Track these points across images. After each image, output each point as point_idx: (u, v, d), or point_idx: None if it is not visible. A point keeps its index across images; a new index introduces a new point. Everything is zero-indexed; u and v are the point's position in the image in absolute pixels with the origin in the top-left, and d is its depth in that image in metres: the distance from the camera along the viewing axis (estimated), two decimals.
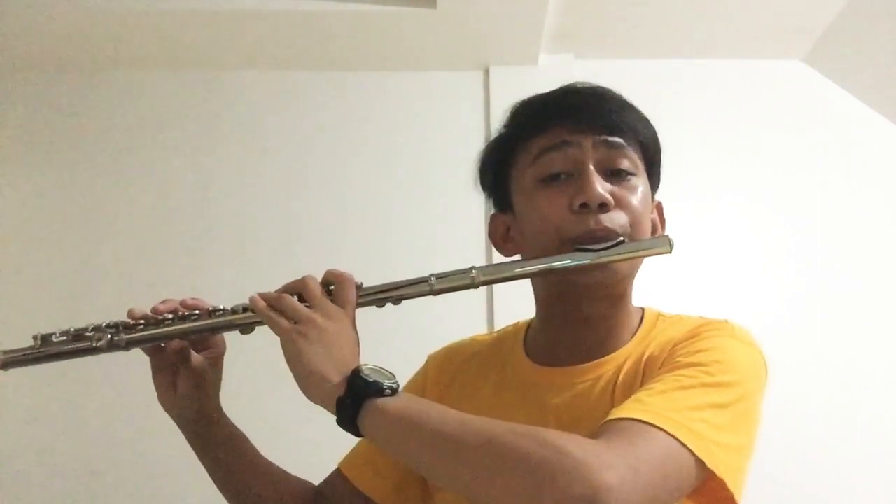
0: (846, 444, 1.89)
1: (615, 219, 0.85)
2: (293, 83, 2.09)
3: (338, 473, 1.01)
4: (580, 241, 0.84)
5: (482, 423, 0.71)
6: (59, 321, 1.98)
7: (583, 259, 0.83)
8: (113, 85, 2.07)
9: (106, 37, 1.94)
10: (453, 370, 1.01)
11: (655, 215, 0.95)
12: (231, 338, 0.93)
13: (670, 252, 0.85)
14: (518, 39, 1.98)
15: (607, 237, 0.84)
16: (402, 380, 1.04)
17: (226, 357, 0.95)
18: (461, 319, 1.75)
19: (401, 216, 2.01)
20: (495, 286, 1.81)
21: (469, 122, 2.06)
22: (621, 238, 0.84)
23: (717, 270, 2.01)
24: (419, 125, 2.07)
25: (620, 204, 0.86)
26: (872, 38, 1.98)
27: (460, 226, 1.96)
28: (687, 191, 2.01)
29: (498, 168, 0.96)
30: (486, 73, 2.09)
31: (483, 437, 0.68)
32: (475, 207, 1.98)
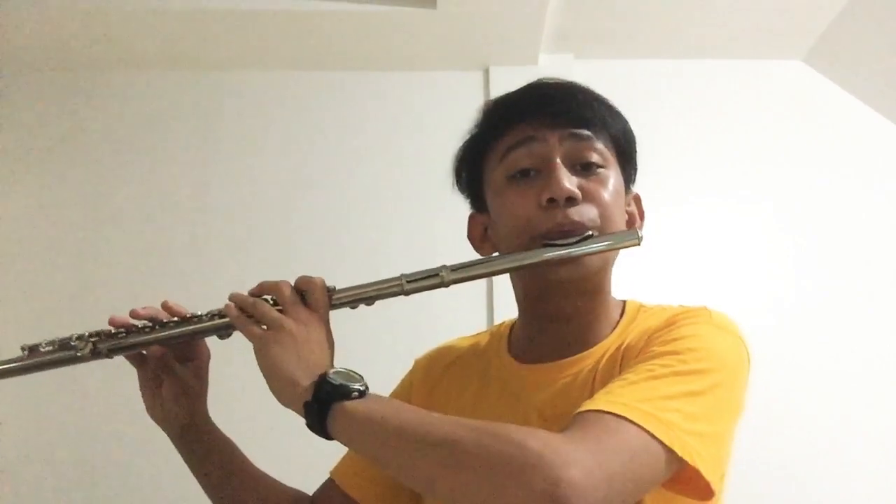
0: (846, 444, 1.89)
1: (584, 212, 0.85)
2: (293, 83, 2.09)
3: (330, 482, 1.01)
4: (548, 236, 0.84)
5: (445, 421, 0.71)
6: (59, 319, 2.00)
7: (549, 255, 0.83)
8: (113, 85, 2.06)
9: (106, 37, 1.93)
10: (439, 372, 1.01)
11: (633, 208, 0.95)
12: (218, 345, 0.93)
13: (639, 244, 0.85)
14: (518, 39, 1.98)
15: (575, 231, 0.83)
16: (396, 381, 1.05)
17: (213, 364, 0.96)
18: (462, 318, 1.76)
19: (400, 215, 2.01)
20: (496, 285, 1.83)
21: (469, 122, 2.05)
22: (590, 232, 0.84)
23: (717, 270, 2.00)
24: (419, 125, 2.07)
25: (589, 197, 0.86)
26: (872, 38, 1.98)
27: (460, 225, 1.94)
28: (687, 190, 2.01)
29: (470, 169, 0.97)
30: (486, 73, 2.09)
31: (445, 436, 0.68)
32: None
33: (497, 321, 1.79)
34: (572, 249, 0.83)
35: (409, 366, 1.07)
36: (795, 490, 1.84)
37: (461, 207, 1.05)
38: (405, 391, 1.03)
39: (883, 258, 2.02)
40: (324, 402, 0.74)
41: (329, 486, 1.01)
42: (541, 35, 1.96)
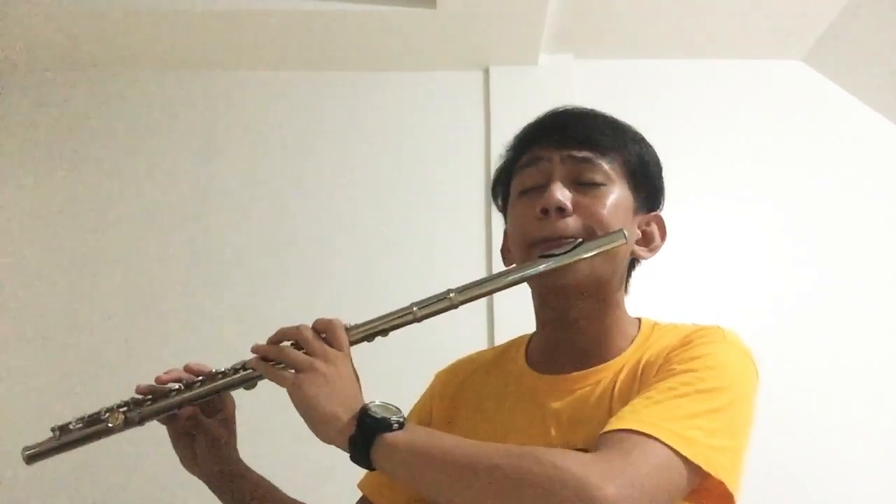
0: (845, 445, 1.89)
1: (569, 224, 0.90)
2: (293, 83, 2.09)
3: (363, 500, 1.04)
4: (538, 245, 0.90)
5: (485, 448, 0.75)
6: (59, 320, 2.00)
7: (543, 266, 0.88)
8: (113, 85, 2.07)
9: (106, 37, 1.94)
10: (458, 384, 1.04)
11: (654, 228, 0.98)
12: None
13: (626, 242, 0.89)
14: (518, 39, 1.98)
15: (559, 241, 0.89)
16: (413, 397, 1.07)
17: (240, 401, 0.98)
18: (464, 335, 1.76)
19: (401, 216, 2.01)
20: (496, 302, 1.83)
21: (469, 122, 2.05)
22: (580, 239, 0.89)
23: (716, 270, 2.00)
24: (419, 125, 2.07)
25: (580, 210, 0.91)
26: (872, 38, 1.98)
27: (461, 225, 1.96)
28: (687, 190, 2.01)
29: (502, 188, 1.04)
30: (486, 73, 2.09)
31: (486, 463, 0.72)
32: (475, 207, 1.98)
33: (497, 334, 1.80)
34: (563, 258, 0.88)
35: (415, 383, 1.09)
36: (795, 490, 1.84)
37: (461, 207, 1.06)
38: (427, 402, 1.06)
39: (883, 258, 2.02)
40: (367, 436, 0.78)
41: (360, 502, 1.05)
42: (541, 35, 1.96)
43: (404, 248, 1.97)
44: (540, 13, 1.86)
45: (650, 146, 0.99)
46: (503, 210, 1.04)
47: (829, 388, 1.92)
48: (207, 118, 2.06)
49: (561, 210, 0.90)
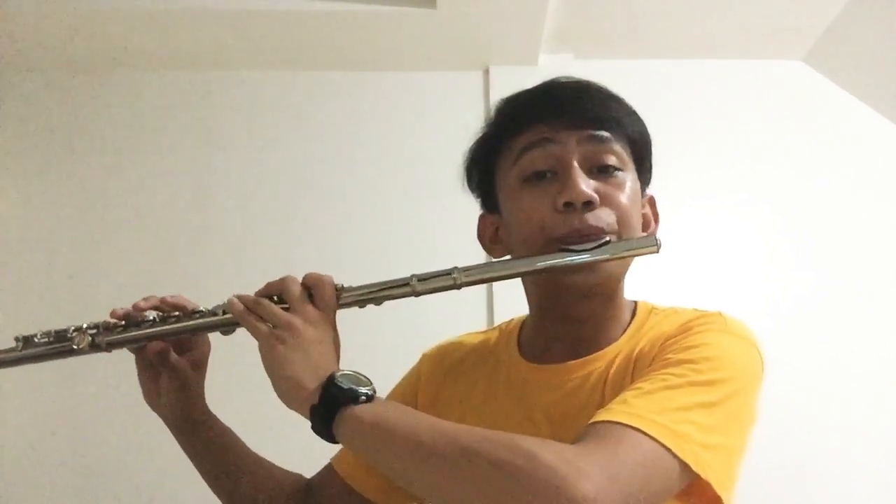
0: (844, 446, 1.89)
1: (601, 217, 0.82)
2: (293, 83, 2.09)
3: (329, 469, 1.00)
4: (565, 240, 0.82)
5: (456, 430, 0.69)
6: (58, 320, 1.98)
7: (566, 260, 0.81)
8: (113, 85, 2.07)
9: (106, 37, 1.94)
10: (446, 368, 1.00)
11: (648, 210, 0.93)
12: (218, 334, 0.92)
13: (657, 251, 0.82)
14: (518, 39, 1.98)
15: (593, 236, 0.81)
16: (400, 374, 1.04)
17: (216, 351, 0.95)
18: (462, 315, 1.76)
19: (400, 216, 2.01)
20: (496, 284, 1.83)
21: (469, 122, 2.02)
22: (608, 238, 0.82)
23: (716, 270, 2.00)
24: (419, 125, 2.07)
25: (606, 201, 0.83)
26: (872, 38, 1.98)
27: (460, 225, 1.94)
28: (687, 191, 2.01)
29: (482, 168, 0.94)
30: (486, 73, 2.09)
31: (456, 446, 0.66)
32: (475, 208, 1.97)
33: (497, 320, 1.80)
34: (590, 256, 0.81)
35: (409, 363, 1.06)
36: (795, 490, 1.84)
37: (462, 207, 1.04)
38: (412, 385, 1.01)
39: (882, 259, 2.02)
40: (331, 407, 0.73)
41: (328, 472, 1.00)
42: (541, 35, 1.96)
43: (404, 248, 1.96)
44: (540, 13, 1.86)
45: (641, 119, 0.91)
46: (481, 193, 0.96)
47: (829, 390, 1.92)
48: (207, 118, 2.06)
49: (588, 203, 0.82)
